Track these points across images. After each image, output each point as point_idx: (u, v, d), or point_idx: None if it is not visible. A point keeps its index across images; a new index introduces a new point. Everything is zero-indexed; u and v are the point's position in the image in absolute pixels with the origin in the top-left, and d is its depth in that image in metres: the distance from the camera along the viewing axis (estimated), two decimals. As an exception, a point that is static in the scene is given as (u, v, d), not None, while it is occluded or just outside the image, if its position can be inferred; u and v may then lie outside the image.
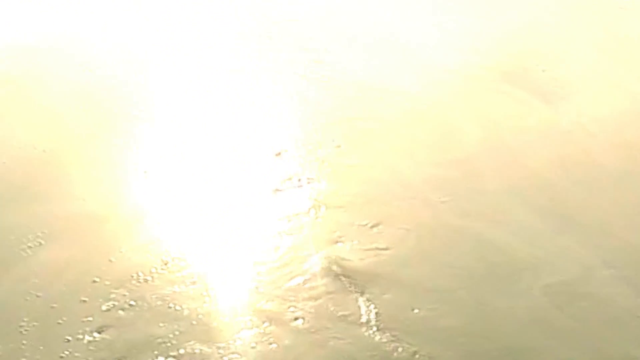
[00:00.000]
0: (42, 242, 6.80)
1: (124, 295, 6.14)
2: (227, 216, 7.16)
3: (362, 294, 6.12)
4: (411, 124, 8.56)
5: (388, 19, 10.85)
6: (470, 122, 8.47)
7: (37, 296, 6.15)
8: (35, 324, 5.86)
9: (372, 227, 6.86)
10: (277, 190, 7.43)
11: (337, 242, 6.70)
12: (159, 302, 6.10)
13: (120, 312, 5.98)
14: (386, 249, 6.59)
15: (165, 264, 6.51)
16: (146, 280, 6.33)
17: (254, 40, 10.42)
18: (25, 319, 5.89)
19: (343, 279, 6.30)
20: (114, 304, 6.04)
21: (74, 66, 9.90)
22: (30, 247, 6.73)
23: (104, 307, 6.00)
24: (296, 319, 5.94)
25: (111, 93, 9.28)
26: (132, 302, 6.08)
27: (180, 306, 6.06)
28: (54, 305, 6.04)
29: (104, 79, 9.61)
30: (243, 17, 11.00)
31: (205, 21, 11.15)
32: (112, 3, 11.75)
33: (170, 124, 8.72)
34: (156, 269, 6.45)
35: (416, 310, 5.95)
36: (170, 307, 6.06)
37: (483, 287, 6.17)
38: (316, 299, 6.12)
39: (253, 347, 5.72)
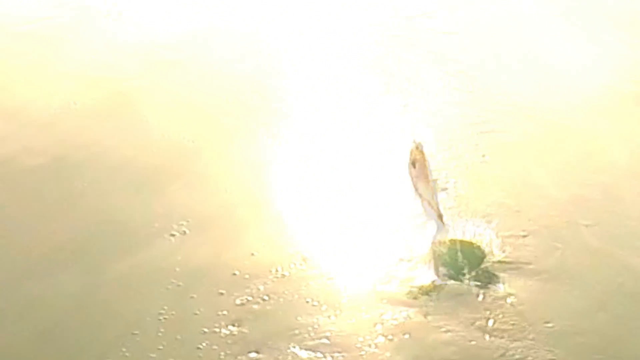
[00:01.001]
0: (187, 230, 6.90)
1: (259, 289, 6.14)
2: (367, 217, 7.06)
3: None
4: (557, 142, 8.35)
5: (534, 39, 10.55)
6: (617, 145, 8.20)
7: (178, 285, 6.24)
8: (173, 313, 5.95)
9: (515, 239, 6.69)
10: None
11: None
12: (295, 296, 6.08)
13: (255, 306, 5.98)
14: (528, 263, 6.46)
15: (304, 260, 6.47)
16: (284, 276, 6.31)
17: (398, 46, 10.29)
18: (164, 307, 5.98)
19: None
20: (248, 298, 6.05)
21: (217, 60, 10.05)
22: (174, 236, 6.84)
23: (238, 301, 6.02)
24: (427, 314, 5.88)
25: (252, 86, 9.37)
26: (266, 297, 6.08)
27: (318, 301, 6.01)
28: (193, 295, 6.11)
29: (246, 72, 9.72)
30: (390, 24, 10.88)
31: (348, 24, 11.06)
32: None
33: (310, 119, 8.72)
34: (295, 264, 6.43)
35: (550, 324, 5.79)
36: (307, 302, 6.02)
37: (621, 313, 5.96)
38: (449, 300, 6.03)
39: (390, 340, 5.68)
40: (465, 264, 6.32)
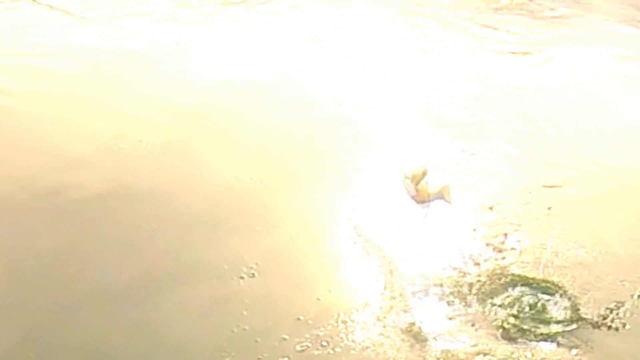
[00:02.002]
0: (255, 274, 7.08)
1: (321, 335, 6.27)
2: (435, 262, 7.14)
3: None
4: (626, 202, 8.28)
5: (610, 97, 10.42)
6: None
7: (244, 329, 6.42)
8: (234, 354, 6.12)
9: (577, 296, 6.70)
10: (487, 243, 7.35)
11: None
12: (355, 344, 6.18)
13: (315, 352, 6.11)
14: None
15: (367, 307, 6.57)
16: (345, 322, 6.43)
17: (468, 99, 10.29)
18: (227, 350, 6.16)
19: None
20: (309, 345, 6.19)
21: (287, 104, 10.17)
22: (243, 278, 7.03)
23: (298, 347, 6.17)
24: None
25: (324, 131, 9.48)
26: (326, 343, 6.20)
27: (378, 350, 6.10)
28: (257, 339, 6.28)
29: (317, 118, 9.81)
30: (461, 78, 10.90)
31: (421, 77, 11.12)
32: (328, 43, 12.00)
33: (381, 170, 8.79)
34: (357, 310, 6.54)
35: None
36: (367, 349, 6.11)
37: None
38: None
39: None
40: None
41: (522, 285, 6.81)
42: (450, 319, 6.50)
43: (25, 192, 8.41)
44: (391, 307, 6.62)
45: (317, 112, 9.91)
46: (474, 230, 7.56)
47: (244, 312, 6.61)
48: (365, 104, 10.16)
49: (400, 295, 6.78)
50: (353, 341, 6.23)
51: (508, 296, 6.66)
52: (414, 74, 10.99)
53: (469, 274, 6.97)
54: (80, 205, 8.16)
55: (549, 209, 8.01)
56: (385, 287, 6.87)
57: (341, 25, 12.50)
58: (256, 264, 7.20)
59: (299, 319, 6.49)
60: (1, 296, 7.01)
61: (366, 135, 9.44)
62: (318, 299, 6.72)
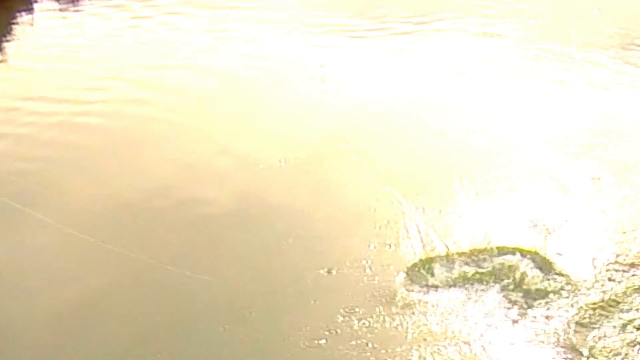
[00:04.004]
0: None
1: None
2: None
3: None
4: None
5: None
6: None
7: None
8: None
9: None
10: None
11: None
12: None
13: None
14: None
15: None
16: None
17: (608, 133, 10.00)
18: None
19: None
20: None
21: (422, 129, 10.09)
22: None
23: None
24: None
25: (458, 158, 9.36)
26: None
27: None
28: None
29: (452, 143, 9.71)
30: (599, 113, 10.59)
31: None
32: (467, 73, 11.90)
33: (515, 199, 8.63)
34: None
35: None
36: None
37: None
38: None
39: None
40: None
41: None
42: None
43: (160, 200, 8.65)
44: None
45: (451, 140, 9.80)
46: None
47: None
48: (500, 132, 10.00)
49: None
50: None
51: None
52: (550, 105, 10.76)
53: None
54: (210, 219, 8.32)
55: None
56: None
57: (482, 57, 12.37)
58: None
59: None
60: (122, 297, 7.24)
61: (500, 164, 9.27)
62: None
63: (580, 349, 6.48)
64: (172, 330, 6.82)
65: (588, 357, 6.40)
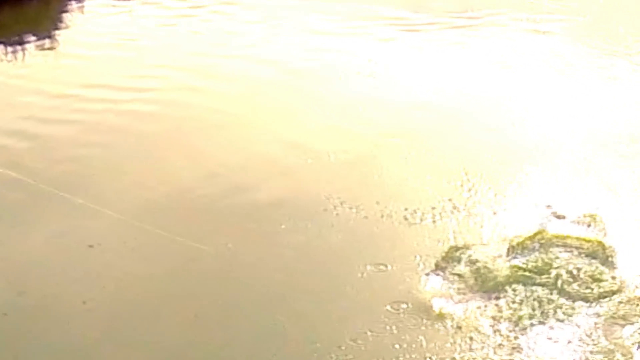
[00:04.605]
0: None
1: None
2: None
3: None
4: None
5: None
6: None
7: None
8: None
9: None
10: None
11: None
12: None
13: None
14: None
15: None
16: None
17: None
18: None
19: None
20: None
21: (475, 126, 10.08)
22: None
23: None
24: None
25: (510, 155, 9.34)
26: None
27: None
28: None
29: (503, 141, 9.70)
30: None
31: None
32: (518, 70, 11.86)
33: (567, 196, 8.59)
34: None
35: None
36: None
37: None
38: None
39: None
40: None
41: None
42: None
43: (211, 188, 8.74)
44: None
45: (502, 135, 9.81)
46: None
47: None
48: (550, 130, 10.00)
49: None
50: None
51: None
52: (598, 101, 10.76)
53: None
54: (258, 208, 8.38)
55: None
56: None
57: (532, 52, 12.42)
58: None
59: None
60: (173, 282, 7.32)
61: (549, 159, 9.30)
62: None
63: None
64: (223, 316, 6.90)
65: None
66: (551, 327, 6.62)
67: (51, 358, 6.48)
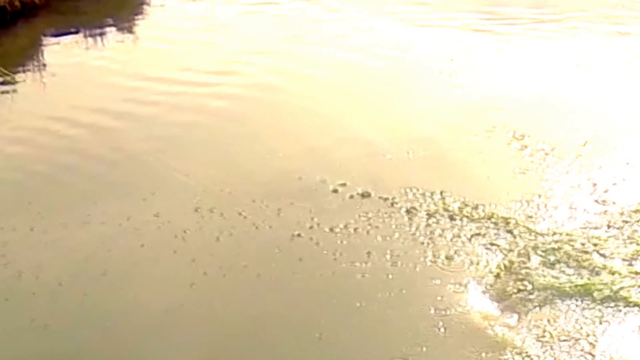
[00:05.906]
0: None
1: None
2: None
3: None
4: None
5: None
6: None
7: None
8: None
9: None
10: None
11: None
12: None
13: None
14: None
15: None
16: None
17: None
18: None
19: None
20: None
21: (553, 131, 9.91)
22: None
23: None
24: None
25: (589, 158, 9.30)
26: None
27: None
28: None
29: (580, 138, 9.68)
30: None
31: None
32: (595, 68, 11.76)
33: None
34: None
35: None
36: None
37: None
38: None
39: None
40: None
41: None
42: None
43: (290, 183, 8.89)
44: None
45: (581, 136, 9.74)
46: None
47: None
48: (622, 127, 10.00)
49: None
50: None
51: None
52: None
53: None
54: (341, 203, 8.51)
55: None
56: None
57: (611, 54, 12.28)
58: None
59: None
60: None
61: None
62: None
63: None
64: (313, 301, 7.17)
65: None
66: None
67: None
